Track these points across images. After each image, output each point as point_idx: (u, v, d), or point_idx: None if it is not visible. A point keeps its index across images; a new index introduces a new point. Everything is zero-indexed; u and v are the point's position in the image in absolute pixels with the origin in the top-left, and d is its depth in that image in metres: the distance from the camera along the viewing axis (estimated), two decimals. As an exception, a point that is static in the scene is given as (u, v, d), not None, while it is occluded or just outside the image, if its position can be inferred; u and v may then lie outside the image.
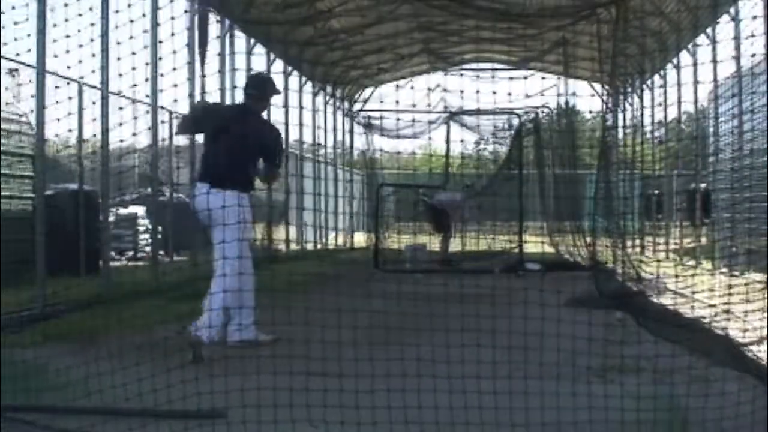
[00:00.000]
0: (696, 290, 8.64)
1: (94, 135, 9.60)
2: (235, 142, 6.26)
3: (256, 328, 6.23)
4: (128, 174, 14.70)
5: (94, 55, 8.56)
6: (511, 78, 17.54)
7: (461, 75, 18.25)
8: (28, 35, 7.86)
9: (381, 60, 20.31)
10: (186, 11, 10.90)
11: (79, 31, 8.04)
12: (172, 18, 7.35)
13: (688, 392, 4.11)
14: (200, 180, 6.39)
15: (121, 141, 9.82)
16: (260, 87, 6.71)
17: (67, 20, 7.84)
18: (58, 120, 8.57)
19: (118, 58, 8.08)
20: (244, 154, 6.29)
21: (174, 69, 7.49)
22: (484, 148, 24.79)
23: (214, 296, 5.98)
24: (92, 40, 8.41)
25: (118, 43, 8.21)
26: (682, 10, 13.26)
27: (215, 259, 6.15)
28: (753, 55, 10.39)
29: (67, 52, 7.94)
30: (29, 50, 8.14)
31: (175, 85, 7.29)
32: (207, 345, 5.63)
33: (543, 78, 18.87)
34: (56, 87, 8.63)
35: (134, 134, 9.79)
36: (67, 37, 7.87)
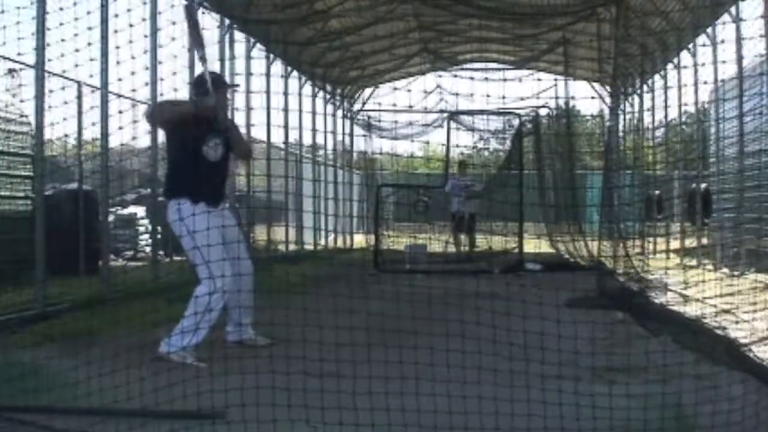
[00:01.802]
0: (697, 290, 8.63)
1: (94, 139, 9.62)
2: (183, 147, 5.96)
3: (253, 329, 6.22)
4: (128, 175, 14.69)
5: (93, 60, 8.56)
6: (511, 78, 17.52)
7: (461, 76, 18.23)
8: (20, 38, 7.84)
9: (380, 60, 20.32)
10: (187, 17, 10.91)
11: (77, 35, 8.03)
12: (173, 23, 7.39)
13: (697, 395, 4.09)
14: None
15: (133, 143, 9.78)
16: (199, 82, 6.08)
17: (62, 24, 7.82)
18: (65, 120, 8.58)
19: (118, 62, 8.10)
20: (194, 159, 5.94)
21: (174, 73, 7.53)
22: (484, 148, 24.79)
23: (196, 305, 5.73)
24: (90, 44, 8.41)
25: (117, 47, 8.24)
26: (682, 9, 13.26)
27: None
28: (762, 55, 10.38)
29: (63, 55, 7.92)
30: (20, 54, 8.15)
31: (175, 90, 7.31)
32: (182, 354, 5.56)
33: (540, 80, 18.84)
34: (59, 88, 8.61)
35: (135, 138, 9.80)
36: (63, 40, 7.86)
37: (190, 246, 5.79)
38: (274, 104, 15.26)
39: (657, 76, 17.40)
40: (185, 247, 5.91)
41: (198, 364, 5.43)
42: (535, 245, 16.12)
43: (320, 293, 5.31)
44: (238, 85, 6.66)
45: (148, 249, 13.16)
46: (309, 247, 18.21)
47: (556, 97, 16.41)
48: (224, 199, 6.20)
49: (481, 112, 16.43)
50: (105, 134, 9.17)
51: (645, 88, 18.23)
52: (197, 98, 5.81)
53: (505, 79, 17.63)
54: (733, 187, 12.40)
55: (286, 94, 16.58)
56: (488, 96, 7.29)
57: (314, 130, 20.17)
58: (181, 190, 5.87)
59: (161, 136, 11.07)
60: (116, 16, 8.55)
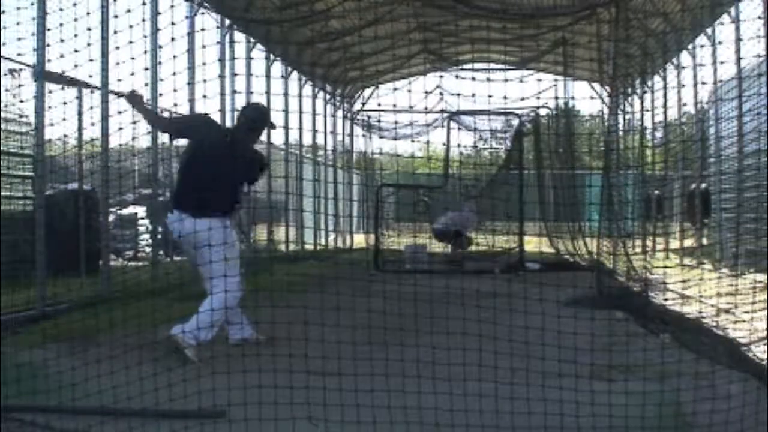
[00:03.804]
0: (696, 290, 8.63)
1: (93, 139, 9.63)
2: (223, 169, 6.07)
3: (252, 326, 6.27)
4: (128, 175, 14.71)
5: (92, 60, 8.57)
6: (511, 79, 17.48)
7: (461, 76, 18.22)
8: (19, 39, 7.84)
9: (381, 60, 20.31)
10: (186, 17, 10.95)
11: (76, 35, 8.03)
12: (172, 23, 7.37)
13: (694, 394, 4.10)
14: (179, 207, 6.15)
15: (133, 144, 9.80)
16: (259, 119, 6.47)
17: (62, 24, 7.81)
18: (64, 120, 8.58)
19: (117, 63, 8.09)
20: (231, 182, 6.20)
21: (174, 74, 7.50)
22: (483, 148, 24.79)
23: (207, 300, 5.91)
24: (89, 45, 8.41)
25: (117, 48, 8.23)
26: (681, 10, 13.25)
27: (210, 279, 5.94)
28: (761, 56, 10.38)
29: (62, 56, 7.91)
30: (20, 54, 8.13)
31: (175, 90, 7.31)
32: (193, 346, 5.62)
33: (540, 80, 18.83)
34: (59, 88, 8.60)
35: (135, 138, 9.83)
36: (63, 41, 7.85)
37: (219, 257, 5.79)
38: (274, 105, 15.28)
39: (657, 77, 17.40)
40: (212, 258, 5.85)
41: (199, 363, 5.45)
42: (535, 245, 16.14)
43: (321, 292, 5.31)
44: (275, 126, 6.93)
45: (148, 249, 13.18)
46: (309, 247, 18.21)
47: (556, 97, 16.43)
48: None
49: (482, 112, 16.42)
50: (105, 134, 9.18)
51: (645, 88, 18.25)
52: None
53: (505, 80, 17.56)
54: (733, 186, 12.41)
55: (286, 95, 16.60)
56: (489, 96, 7.25)
57: (314, 131, 20.19)
58: (217, 209, 6.04)
59: (161, 138, 11.12)
60: (116, 16, 8.55)
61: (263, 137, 6.91)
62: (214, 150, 6.14)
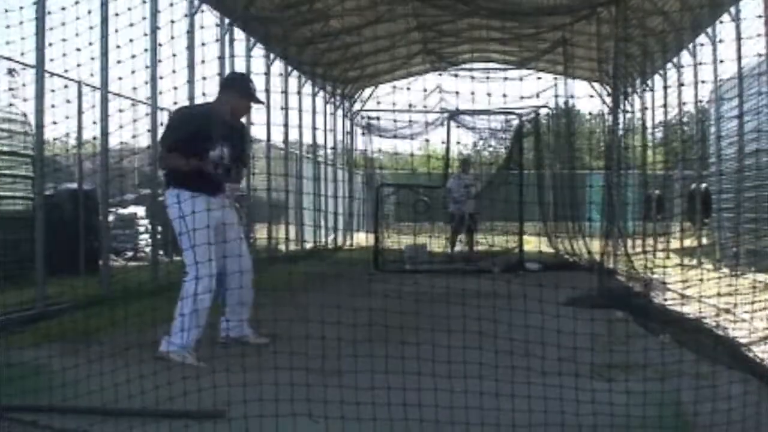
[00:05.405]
0: (697, 290, 8.63)
1: (94, 138, 9.64)
2: None
3: (248, 326, 6.22)
4: (128, 175, 14.71)
5: (93, 59, 8.56)
6: (511, 78, 17.52)
7: (461, 75, 18.21)
8: (23, 38, 7.83)
9: (380, 60, 20.32)
10: (186, 15, 10.95)
11: (77, 34, 8.03)
12: (172, 21, 7.39)
13: (695, 394, 4.09)
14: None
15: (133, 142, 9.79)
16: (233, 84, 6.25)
17: (64, 24, 7.82)
18: (67, 118, 8.58)
19: (118, 61, 8.10)
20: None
21: (174, 72, 7.52)
22: (483, 148, 24.79)
23: (184, 300, 5.77)
24: (91, 44, 8.41)
25: (118, 47, 8.25)
26: (681, 9, 13.25)
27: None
28: (761, 55, 10.38)
29: (65, 55, 7.92)
30: (22, 54, 8.12)
31: (175, 88, 7.33)
32: (179, 350, 5.58)
33: (540, 78, 18.81)
34: (60, 87, 8.61)
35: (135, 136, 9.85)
36: (64, 39, 7.85)
37: (181, 230, 5.77)
38: (274, 103, 15.25)
39: (657, 76, 17.40)
40: (177, 231, 5.88)
41: (198, 363, 5.44)
42: (534, 245, 16.14)
43: (321, 291, 5.31)
44: (262, 103, 6.72)
45: (148, 249, 13.17)
46: (309, 246, 18.20)
47: (556, 97, 16.42)
48: (223, 190, 6.09)
49: (481, 111, 16.42)
50: (105, 133, 9.17)
51: (645, 87, 18.24)
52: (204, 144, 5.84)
53: (505, 79, 17.62)
54: (733, 186, 12.41)
55: (285, 93, 16.58)
56: (489, 95, 7.27)
57: (314, 129, 20.20)
58: (181, 181, 5.86)
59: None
60: (116, 15, 8.55)
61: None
62: None
